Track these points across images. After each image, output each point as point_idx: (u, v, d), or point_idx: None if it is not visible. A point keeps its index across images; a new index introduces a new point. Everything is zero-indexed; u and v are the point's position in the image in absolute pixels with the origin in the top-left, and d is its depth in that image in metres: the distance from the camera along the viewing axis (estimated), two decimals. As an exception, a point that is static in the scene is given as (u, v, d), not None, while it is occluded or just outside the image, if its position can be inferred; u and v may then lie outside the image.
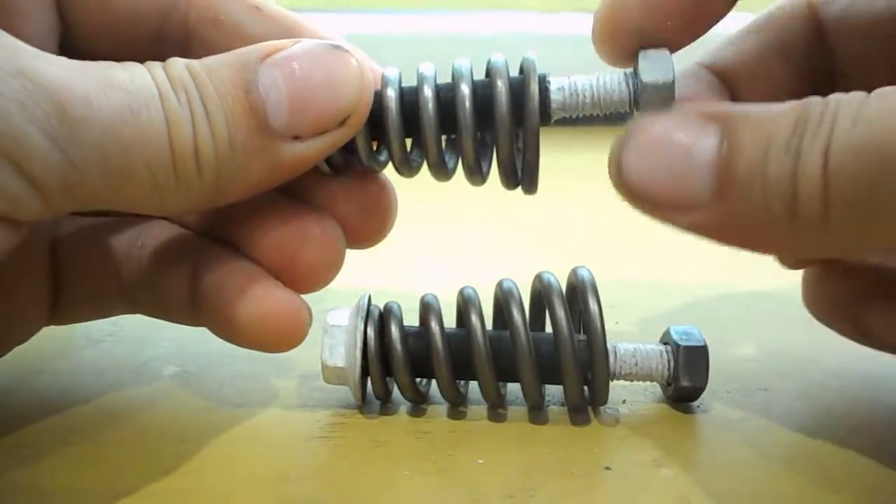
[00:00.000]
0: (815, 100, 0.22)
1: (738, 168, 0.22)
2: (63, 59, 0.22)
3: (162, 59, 0.24)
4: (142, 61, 0.23)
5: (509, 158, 0.26)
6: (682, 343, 0.28)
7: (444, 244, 0.47)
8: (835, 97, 0.22)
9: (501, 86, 0.26)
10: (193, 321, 0.29)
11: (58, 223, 0.30)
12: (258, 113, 0.24)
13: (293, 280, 0.28)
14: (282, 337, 0.27)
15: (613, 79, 0.26)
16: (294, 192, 0.29)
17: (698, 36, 0.27)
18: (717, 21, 0.27)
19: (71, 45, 0.27)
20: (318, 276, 0.28)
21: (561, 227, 0.49)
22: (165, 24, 0.28)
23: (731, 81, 0.29)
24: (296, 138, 0.24)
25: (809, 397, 0.31)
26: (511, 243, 0.47)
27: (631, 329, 0.36)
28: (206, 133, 0.23)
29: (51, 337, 0.31)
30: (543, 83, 0.26)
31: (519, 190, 0.28)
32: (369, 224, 0.29)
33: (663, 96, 0.25)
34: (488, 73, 0.27)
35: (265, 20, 0.28)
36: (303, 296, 0.28)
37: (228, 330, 0.28)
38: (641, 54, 0.26)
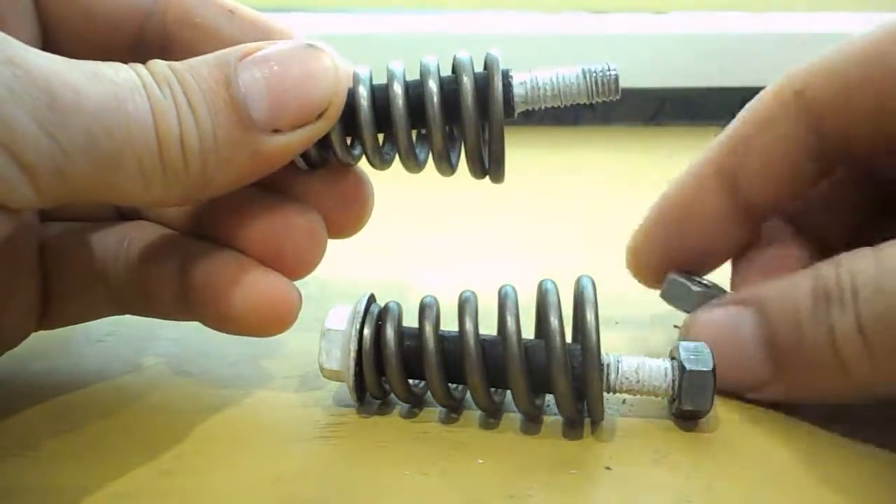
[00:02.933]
0: (826, 270, 0.26)
1: (780, 344, 0.27)
2: (50, 54, 0.23)
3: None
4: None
5: (476, 150, 0.28)
6: (689, 367, 0.27)
7: (464, 243, 0.46)
8: (845, 264, 0.26)
9: (467, 81, 0.27)
10: (182, 315, 0.30)
11: (45, 226, 0.30)
12: (239, 106, 0.24)
13: (280, 269, 0.29)
14: (275, 319, 0.28)
15: (572, 73, 0.28)
16: (275, 188, 0.29)
17: (723, 262, 0.33)
18: (738, 250, 0.32)
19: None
20: (304, 263, 0.29)
21: (570, 221, 0.49)
22: (144, 30, 0.28)
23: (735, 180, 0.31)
24: (276, 131, 0.25)
25: (809, 397, 0.31)
26: (533, 240, 0.46)
27: (631, 329, 0.36)
28: (191, 124, 0.24)
29: (51, 337, 0.31)
30: (507, 78, 0.28)
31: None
32: (348, 214, 0.30)
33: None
34: (454, 69, 0.28)
35: (240, 22, 0.29)
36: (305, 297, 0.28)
37: (221, 318, 0.29)
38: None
